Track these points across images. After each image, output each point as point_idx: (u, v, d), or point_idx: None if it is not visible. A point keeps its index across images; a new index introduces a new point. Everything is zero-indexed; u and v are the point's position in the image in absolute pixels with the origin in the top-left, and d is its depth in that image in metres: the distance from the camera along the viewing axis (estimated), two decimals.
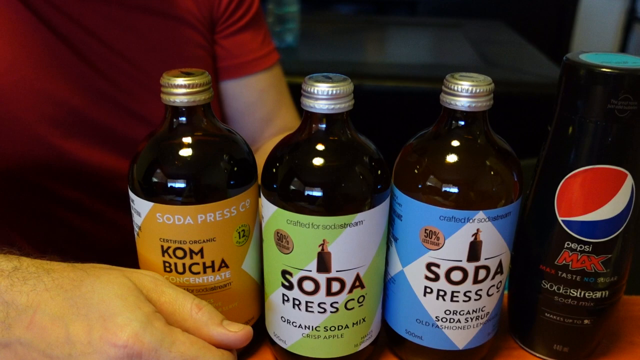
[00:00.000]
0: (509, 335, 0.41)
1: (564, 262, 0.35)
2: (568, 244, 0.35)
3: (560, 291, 0.36)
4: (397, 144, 0.37)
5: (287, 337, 0.36)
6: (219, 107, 0.65)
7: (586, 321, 0.37)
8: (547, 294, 0.36)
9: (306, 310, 0.34)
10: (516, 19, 1.89)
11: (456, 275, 0.34)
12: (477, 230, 0.32)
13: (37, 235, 0.57)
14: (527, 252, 0.37)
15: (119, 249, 0.52)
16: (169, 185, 0.32)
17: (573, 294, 0.36)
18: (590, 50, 0.35)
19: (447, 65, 1.36)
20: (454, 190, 0.32)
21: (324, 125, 0.32)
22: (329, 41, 1.59)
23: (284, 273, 0.34)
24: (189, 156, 0.33)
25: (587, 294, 0.36)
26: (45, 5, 0.50)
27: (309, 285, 0.33)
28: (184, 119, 0.33)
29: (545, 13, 2.06)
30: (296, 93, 0.37)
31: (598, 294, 0.36)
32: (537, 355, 0.39)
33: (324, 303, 0.33)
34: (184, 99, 0.32)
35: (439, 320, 0.35)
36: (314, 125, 0.32)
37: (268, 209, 0.33)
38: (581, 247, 0.34)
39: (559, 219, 0.35)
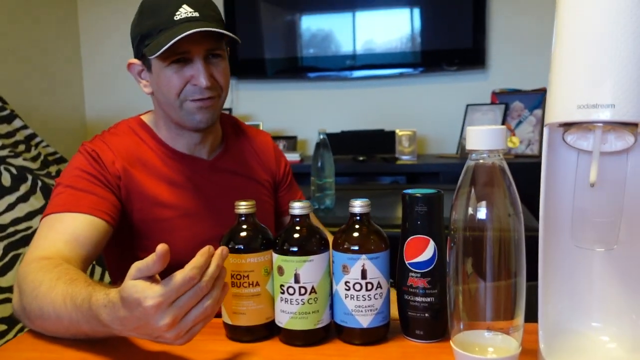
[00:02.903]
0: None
1: (411, 283, 0.75)
2: (410, 273, 0.75)
3: (412, 299, 0.75)
4: None
5: (283, 319, 0.76)
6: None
7: (427, 315, 0.75)
8: (408, 301, 0.76)
9: (290, 303, 0.75)
10: None
11: (357, 287, 0.75)
12: (364, 264, 0.74)
13: None
14: (399, 279, 0.77)
15: None
16: (236, 247, 0.77)
17: (418, 300, 0.75)
18: (423, 186, 0.79)
19: None
20: (354, 247, 0.75)
21: (298, 219, 0.77)
22: None
23: (281, 286, 0.76)
24: (243, 236, 0.78)
25: (423, 300, 0.75)
26: (198, 177, 1.03)
27: (291, 290, 0.75)
28: (243, 218, 0.79)
29: None
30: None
31: (429, 299, 0.75)
32: (410, 338, 0.77)
33: (297, 299, 0.75)
34: (244, 210, 0.79)
35: (353, 311, 0.75)
36: (294, 220, 0.77)
37: (275, 256, 0.77)
38: (416, 274, 0.75)
39: (405, 261, 0.76)
